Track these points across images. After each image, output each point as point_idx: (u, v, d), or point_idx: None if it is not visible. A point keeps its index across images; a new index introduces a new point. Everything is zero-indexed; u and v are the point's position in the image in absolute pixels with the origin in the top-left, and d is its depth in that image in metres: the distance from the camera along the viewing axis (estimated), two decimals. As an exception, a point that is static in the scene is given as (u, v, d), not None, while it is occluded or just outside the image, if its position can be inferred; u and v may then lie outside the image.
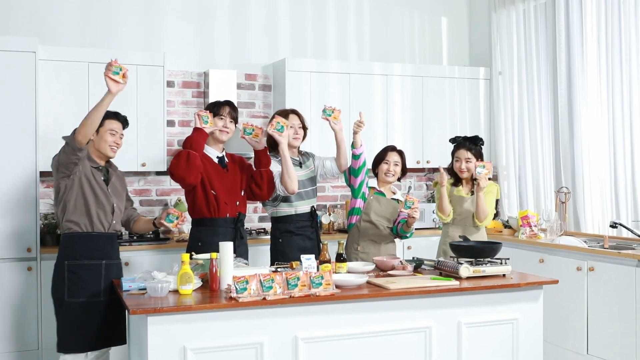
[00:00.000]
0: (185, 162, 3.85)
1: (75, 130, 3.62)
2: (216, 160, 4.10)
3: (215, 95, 5.65)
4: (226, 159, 4.16)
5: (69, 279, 3.68)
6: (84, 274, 3.69)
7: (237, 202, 4.06)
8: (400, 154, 4.53)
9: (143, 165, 5.33)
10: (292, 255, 4.10)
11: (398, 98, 6.22)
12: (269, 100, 6.11)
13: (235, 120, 4.13)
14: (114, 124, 3.86)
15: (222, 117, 4.06)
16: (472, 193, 4.62)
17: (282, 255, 4.22)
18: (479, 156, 4.63)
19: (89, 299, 3.68)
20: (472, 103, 6.49)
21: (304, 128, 4.40)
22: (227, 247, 3.38)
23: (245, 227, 4.20)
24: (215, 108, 4.09)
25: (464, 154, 4.60)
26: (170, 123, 5.76)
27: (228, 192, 4.04)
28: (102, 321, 3.71)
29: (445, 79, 6.39)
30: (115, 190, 3.88)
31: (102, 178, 3.82)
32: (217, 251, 3.40)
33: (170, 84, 5.77)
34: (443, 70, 6.45)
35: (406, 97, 6.25)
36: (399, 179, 4.57)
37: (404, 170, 4.53)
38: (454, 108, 6.43)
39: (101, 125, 3.80)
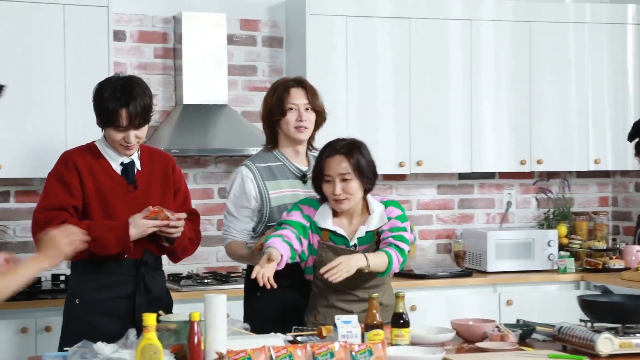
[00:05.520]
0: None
1: None
2: (118, 171, 3.35)
3: (191, 55, 4.65)
4: (138, 166, 3.36)
5: None
6: None
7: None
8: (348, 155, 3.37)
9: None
10: (275, 315, 3.35)
11: (489, 58, 4.95)
12: (279, 63, 4.92)
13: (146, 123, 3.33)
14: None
15: (120, 128, 3.28)
16: None
17: (262, 315, 3.37)
18: None
19: None
20: (615, 62, 5.15)
21: (318, 111, 3.47)
22: (216, 303, 2.81)
23: (166, 274, 3.43)
24: (110, 115, 3.20)
25: None
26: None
27: None
28: None
29: (569, 24, 5.11)
30: None
31: None
32: (111, 311, 3.12)
33: (119, 36, 4.70)
34: (565, 9, 5.17)
35: (502, 56, 4.98)
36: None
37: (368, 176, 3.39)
38: (584, 72, 5.11)
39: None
